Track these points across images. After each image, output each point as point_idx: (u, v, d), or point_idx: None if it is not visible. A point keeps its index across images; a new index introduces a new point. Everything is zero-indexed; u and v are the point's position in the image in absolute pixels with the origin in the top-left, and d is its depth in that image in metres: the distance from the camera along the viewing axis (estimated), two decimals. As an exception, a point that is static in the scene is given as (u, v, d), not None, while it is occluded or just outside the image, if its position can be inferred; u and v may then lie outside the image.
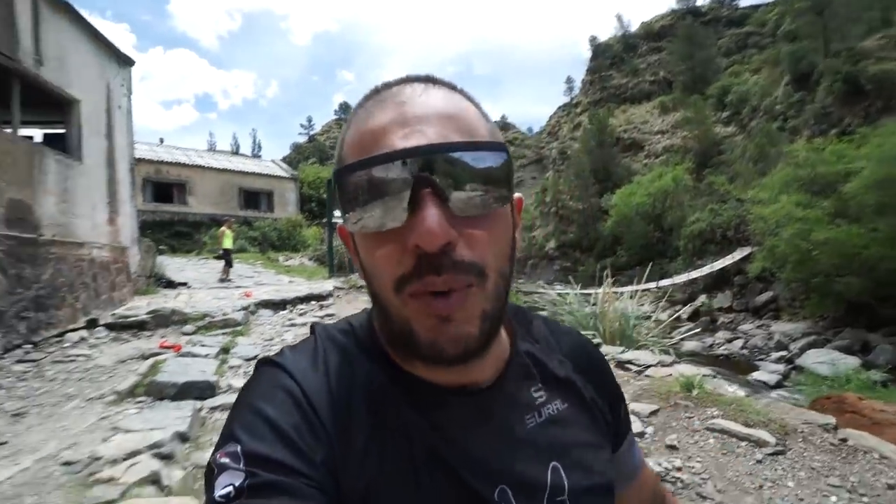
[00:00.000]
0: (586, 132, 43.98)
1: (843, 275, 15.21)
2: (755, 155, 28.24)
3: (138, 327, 6.18)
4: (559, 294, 6.37)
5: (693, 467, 2.62)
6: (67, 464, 2.49)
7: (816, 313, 17.29)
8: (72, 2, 6.42)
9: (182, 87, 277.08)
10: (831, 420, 2.93)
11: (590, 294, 6.42)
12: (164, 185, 18.33)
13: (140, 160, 11.51)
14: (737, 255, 21.00)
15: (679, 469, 2.61)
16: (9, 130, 5.71)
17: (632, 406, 3.27)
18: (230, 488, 0.34)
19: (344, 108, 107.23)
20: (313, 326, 0.50)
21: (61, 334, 5.71)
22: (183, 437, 2.93)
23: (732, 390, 3.81)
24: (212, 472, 0.36)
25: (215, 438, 2.40)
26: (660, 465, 2.64)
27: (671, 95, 50.62)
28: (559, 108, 75.55)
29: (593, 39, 66.00)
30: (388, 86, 0.42)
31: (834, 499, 2.29)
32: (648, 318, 6.18)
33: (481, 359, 0.43)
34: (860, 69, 24.68)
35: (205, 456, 2.73)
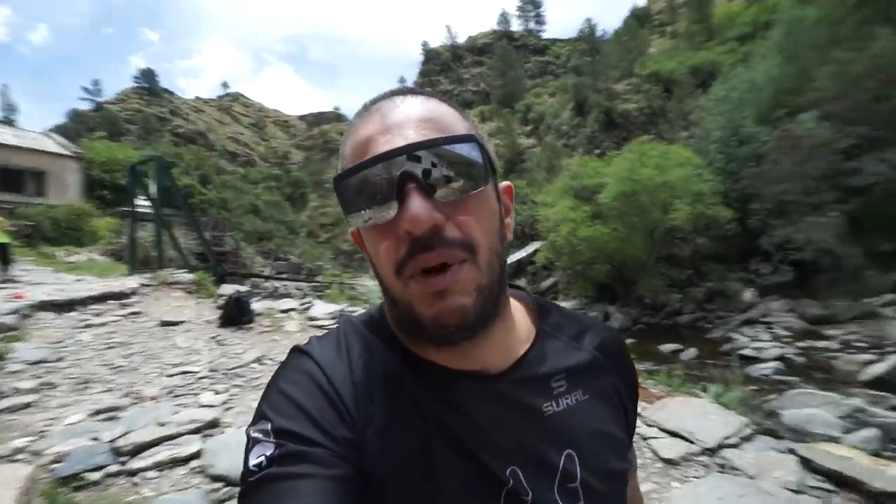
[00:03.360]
0: (415, 133, 46.45)
1: (596, 264, 20.09)
2: (546, 165, 34.64)
3: None
4: (373, 282, 7.26)
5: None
6: None
7: (581, 294, 22.29)
8: None
9: None
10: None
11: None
12: None
13: None
14: (529, 248, 25.33)
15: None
16: None
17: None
18: (262, 458, 0.39)
19: (147, 74, 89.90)
20: (339, 318, 0.75)
21: None
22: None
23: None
24: (247, 445, 0.42)
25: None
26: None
27: (489, 106, 57.62)
28: (392, 105, 78.10)
29: (425, 44, 69.97)
30: (374, 101, 0.48)
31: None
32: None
33: (486, 339, 0.46)
34: (613, 106, 32.45)
35: None
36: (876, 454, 4.55)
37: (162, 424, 2.60)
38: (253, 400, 3.05)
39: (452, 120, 0.46)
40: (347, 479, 0.40)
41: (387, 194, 0.41)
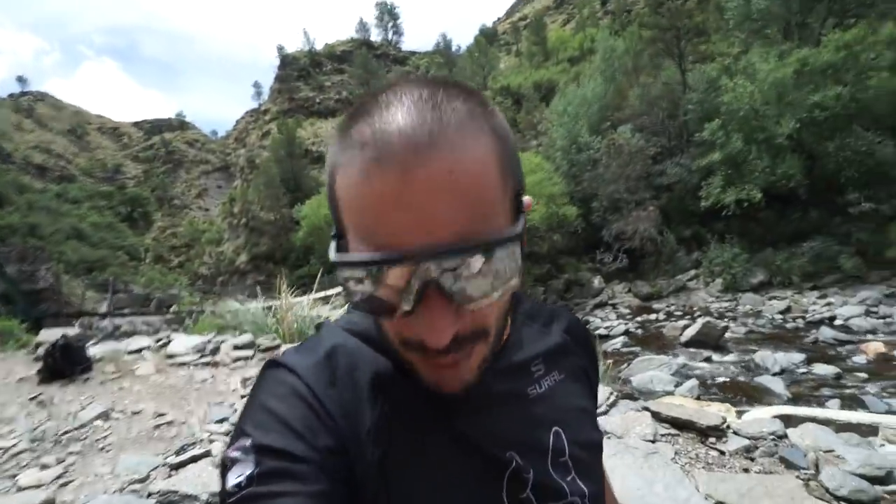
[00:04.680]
0: (276, 141, 43.89)
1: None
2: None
3: None
4: (241, 307, 6.64)
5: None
6: None
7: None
8: None
9: None
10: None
11: (272, 304, 6.97)
12: None
13: None
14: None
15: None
16: None
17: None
18: (242, 478, 0.37)
19: None
20: (318, 325, 0.52)
21: None
22: None
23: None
24: (224, 468, 0.39)
25: None
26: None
27: (353, 115, 56.76)
28: (247, 112, 72.56)
29: (281, 48, 66.28)
30: (381, 120, 0.35)
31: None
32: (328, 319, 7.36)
33: None
34: (472, 117, 34.82)
35: None
36: (698, 398, 5.68)
37: (-38, 525, 1.99)
38: (102, 464, 2.50)
39: (493, 189, 0.36)
40: (332, 494, 0.38)
41: (402, 289, 0.35)
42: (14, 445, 2.76)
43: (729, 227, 15.39)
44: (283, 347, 5.33)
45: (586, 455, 0.52)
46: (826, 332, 9.10)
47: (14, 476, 2.40)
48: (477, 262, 0.35)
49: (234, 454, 0.39)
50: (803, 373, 7.32)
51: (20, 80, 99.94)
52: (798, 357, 7.85)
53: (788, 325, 10.71)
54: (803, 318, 10.98)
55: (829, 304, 11.40)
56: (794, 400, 6.22)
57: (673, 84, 20.03)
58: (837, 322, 10.03)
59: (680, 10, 19.65)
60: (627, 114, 20.94)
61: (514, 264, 0.37)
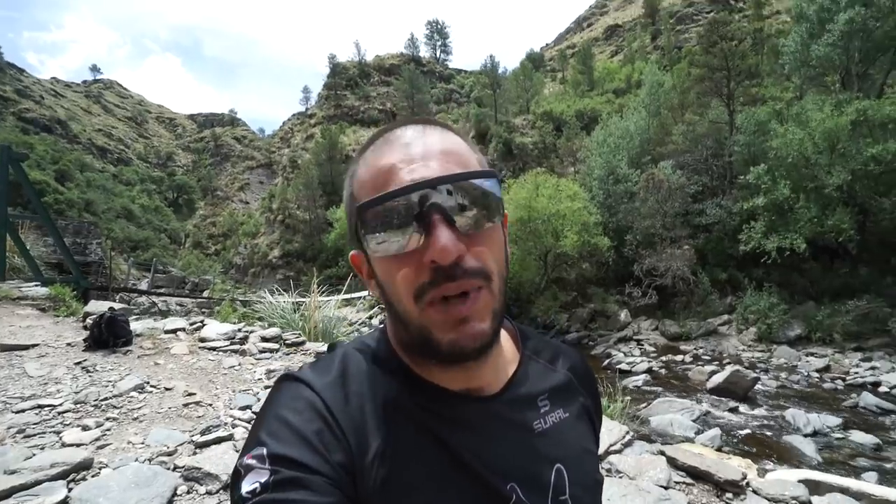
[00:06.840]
0: (318, 145, 45.28)
1: (494, 283, 21.10)
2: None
3: None
4: (273, 301, 6.85)
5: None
6: None
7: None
8: None
9: None
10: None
11: (302, 301, 7.15)
12: None
13: None
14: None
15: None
16: None
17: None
18: (256, 485, 0.38)
19: None
20: (332, 345, 0.55)
21: None
22: None
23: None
24: (238, 475, 0.40)
25: None
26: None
27: (395, 127, 57.88)
28: (294, 115, 75.43)
29: (332, 57, 68.69)
30: (391, 129, 0.49)
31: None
32: (351, 322, 7.43)
33: (488, 359, 0.48)
34: (512, 138, 35.02)
35: None
36: (719, 449, 5.46)
37: (11, 472, 2.16)
38: (134, 433, 2.66)
39: (468, 155, 0.49)
40: None
41: (412, 224, 0.43)
42: (61, 404, 2.97)
43: (769, 275, 14.79)
44: (308, 345, 5.48)
45: (587, 495, 0.53)
46: (868, 399, 8.57)
47: (59, 433, 2.59)
48: (465, 184, 0.44)
49: (250, 462, 0.40)
50: (839, 438, 6.93)
51: (93, 68, 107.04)
52: (834, 420, 7.45)
53: (825, 385, 10.14)
54: (843, 379, 10.37)
55: (873, 368, 10.69)
56: (826, 466, 5.90)
57: (720, 124, 19.63)
58: (882, 389, 9.43)
59: (733, 50, 19.31)
60: (670, 149, 20.60)
61: (497, 201, 0.47)
